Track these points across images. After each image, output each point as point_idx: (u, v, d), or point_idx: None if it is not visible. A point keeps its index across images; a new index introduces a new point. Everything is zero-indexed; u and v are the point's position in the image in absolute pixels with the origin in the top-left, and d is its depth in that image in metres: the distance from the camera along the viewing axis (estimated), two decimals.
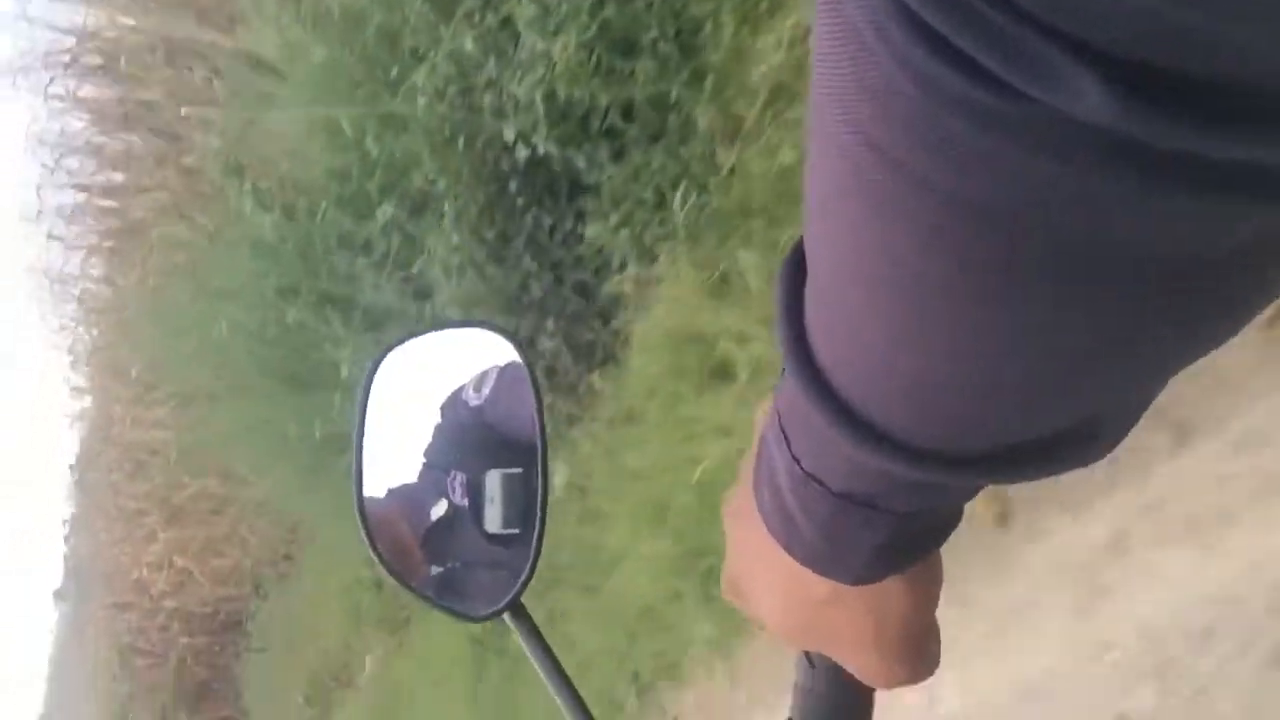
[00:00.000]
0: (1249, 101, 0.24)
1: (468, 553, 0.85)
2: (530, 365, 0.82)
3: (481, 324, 0.85)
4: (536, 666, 0.79)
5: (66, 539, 12.58)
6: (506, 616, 0.80)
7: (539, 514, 0.80)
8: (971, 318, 0.32)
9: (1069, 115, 0.24)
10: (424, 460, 0.85)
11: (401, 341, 0.83)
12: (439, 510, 0.84)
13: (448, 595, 0.85)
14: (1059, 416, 0.37)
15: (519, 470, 0.82)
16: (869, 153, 0.29)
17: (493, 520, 0.82)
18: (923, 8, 0.25)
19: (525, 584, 0.79)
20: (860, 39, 0.27)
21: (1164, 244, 0.28)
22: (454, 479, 0.84)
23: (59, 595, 13.72)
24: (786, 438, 0.45)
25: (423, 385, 0.85)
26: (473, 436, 0.85)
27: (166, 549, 8.69)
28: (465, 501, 0.83)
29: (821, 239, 0.36)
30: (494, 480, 0.83)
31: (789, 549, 0.49)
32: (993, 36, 0.24)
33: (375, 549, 0.80)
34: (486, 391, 0.83)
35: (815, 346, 0.40)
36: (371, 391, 0.81)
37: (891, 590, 0.50)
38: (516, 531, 0.81)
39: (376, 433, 0.82)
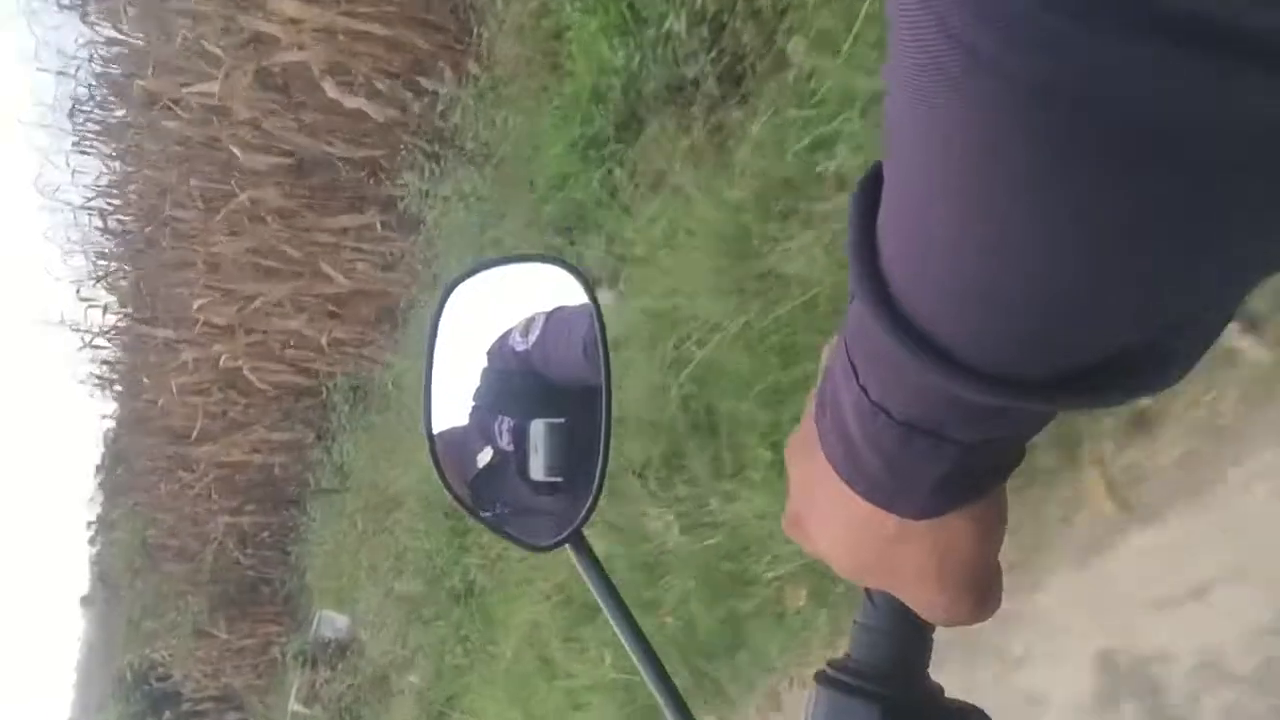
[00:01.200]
0: None
1: (513, 499, 0.85)
2: (596, 303, 0.80)
3: (554, 260, 0.83)
4: (596, 596, 0.79)
5: (92, 541, 12.95)
6: (568, 547, 0.80)
7: (603, 444, 0.79)
8: (1042, 207, 0.32)
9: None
10: (473, 404, 0.85)
11: (472, 273, 0.82)
12: (485, 457, 0.83)
13: (513, 526, 0.84)
14: (1129, 327, 0.37)
15: (562, 420, 0.81)
16: (945, 42, 0.29)
17: (536, 468, 0.82)
18: None
19: (588, 515, 0.79)
20: None
21: (1238, 126, 0.28)
22: (501, 424, 0.83)
23: (86, 601, 14.06)
24: (854, 368, 0.45)
25: (489, 319, 0.84)
26: (518, 382, 0.84)
27: None
28: (511, 448, 0.82)
29: (898, 144, 0.36)
30: (538, 429, 0.82)
31: (852, 482, 0.49)
32: None
33: (445, 482, 0.81)
34: (534, 337, 0.82)
35: (887, 268, 0.40)
36: (440, 323, 0.80)
37: (955, 526, 0.50)
38: (559, 480, 0.81)
39: (444, 365, 0.81)
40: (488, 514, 0.85)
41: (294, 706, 8.88)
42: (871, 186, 0.41)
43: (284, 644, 9.94)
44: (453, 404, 0.84)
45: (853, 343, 0.45)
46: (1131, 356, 0.38)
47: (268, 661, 10.51)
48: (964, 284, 0.37)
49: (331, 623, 8.79)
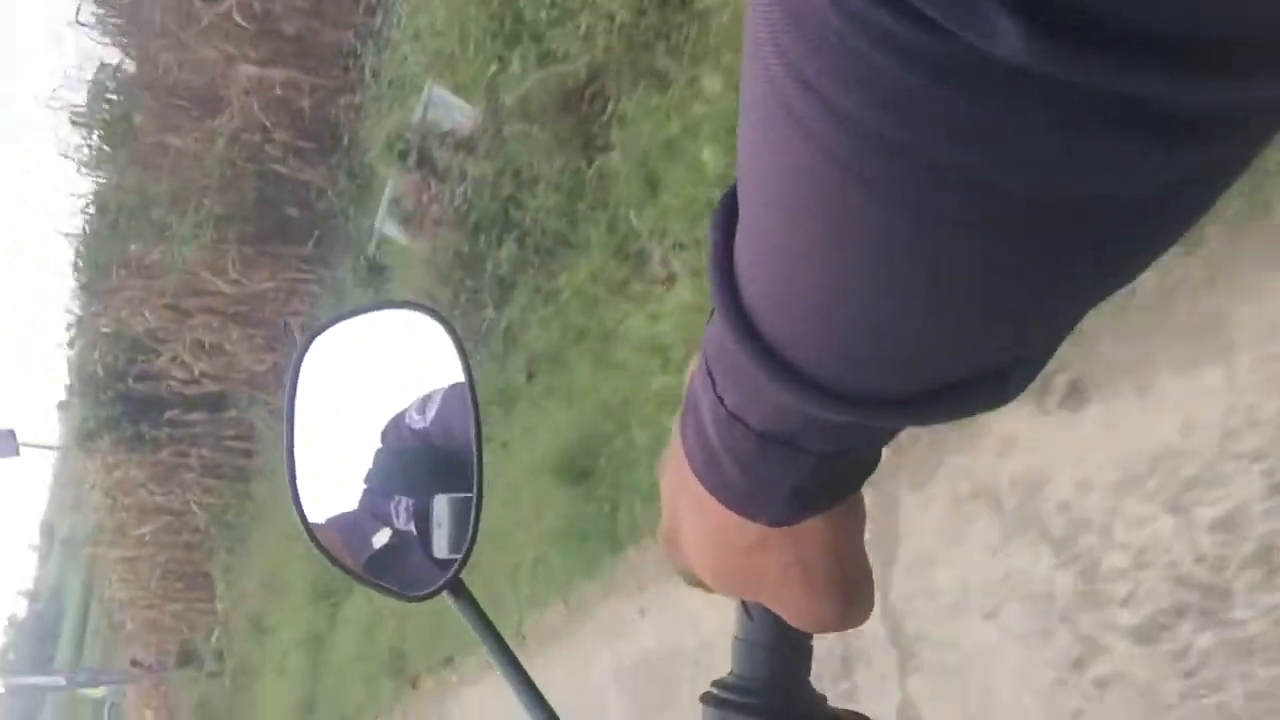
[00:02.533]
0: (1160, 40, 0.24)
1: (415, 572, 0.82)
2: (462, 347, 0.79)
3: (415, 306, 0.81)
4: (481, 641, 0.77)
5: None
6: (446, 594, 0.78)
7: (475, 483, 0.78)
8: (885, 253, 0.33)
9: (987, 51, 0.25)
10: (365, 486, 0.82)
11: (330, 325, 0.79)
12: (382, 539, 0.81)
13: (386, 575, 0.82)
14: (972, 358, 0.38)
15: (470, 495, 0.79)
16: (794, 83, 0.29)
17: (440, 545, 0.80)
18: None
19: (464, 561, 0.77)
20: None
21: (1079, 183, 0.28)
22: (398, 504, 0.81)
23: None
24: (712, 378, 0.46)
25: (358, 376, 0.83)
26: (417, 460, 0.82)
27: None
28: (411, 527, 0.80)
29: (749, 169, 0.36)
30: (442, 505, 0.80)
31: (714, 491, 0.50)
32: None
33: (315, 540, 0.78)
34: (432, 412, 0.81)
35: (742, 285, 0.41)
36: (299, 384, 0.77)
37: (813, 532, 0.51)
38: (458, 557, 0.78)
39: (310, 433, 0.79)
40: (356, 567, 0.81)
41: (384, 227, 6.17)
42: (732, 200, 0.42)
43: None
44: (338, 482, 0.81)
45: (711, 353, 0.46)
46: (976, 377, 0.39)
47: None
48: (807, 312, 0.38)
49: (447, 106, 5.57)
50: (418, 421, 0.81)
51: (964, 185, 0.29)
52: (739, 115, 0.36)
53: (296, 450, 0.78)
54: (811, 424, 0.44)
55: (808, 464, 0.46)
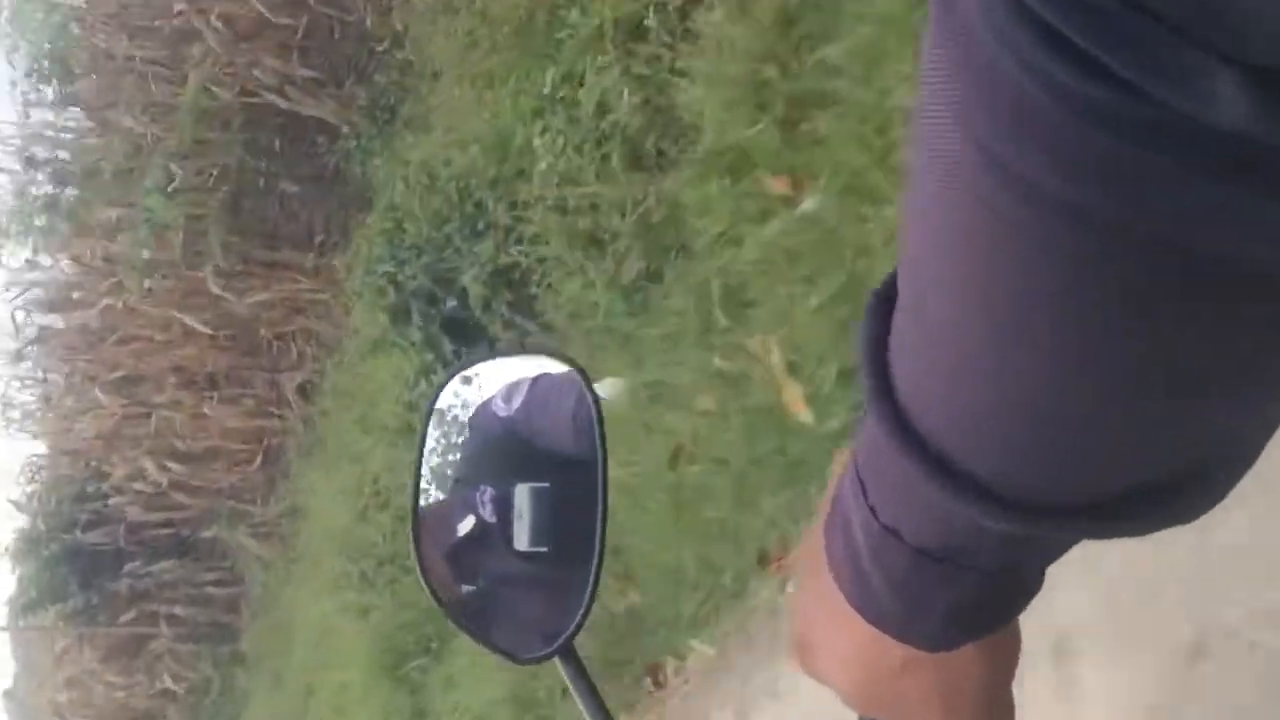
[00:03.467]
0: None
1: (497, 571, 0.81)
2: (595, 394, 0.78)
3: (548, 351, 0.84)
4: (584, 711, 0.75)
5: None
6: (557, 660, 0.76)
7: (597, 550, 0.76)
8: (1076, 337, 0.30)
9: (1200, 118, 0.23)
10: (453, 476, 0.82)
11: (466, 367, 0.82)
12: (466, 526, 0.80)
13: (496, 630, 0.81)
14: (1163, 457, 0.35)
15: (546, 485, 0.79)
16: (979, 157, 0.27)
17: (521, 537, 0.79)
18: (1044, 8, 0.24)
19: (578, 627, 0.75)
20: (980, 46, 0.26)
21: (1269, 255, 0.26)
22: (483, 494, 0.80)
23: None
24: (864, 486, 0.43)
25: (481, 406, 0.84)
26: (501, 449, 0.82)
27: None
28: (494, 518, 0.79)
29: (918, 256, 0.35)
30: (523, 495, 0.79)
31: (862, 609, 0.47)
32: (1118, 36, 0.23)
33: (429, 583, 0.77)
34: (517, 403, 0.81)
35: (901, 386, 0.38)
36: (433, 417, 0.79)
37: (965, 659, 0.48)
38: (545, 550, 0.78)
39: (434, 460, 0.80)
40: (466, 616, 0.81)
41: None
42: (887, 294, 0.39)
43: None
44: (437, 483, 0.82)
45: (863, 459, 0.43)
46: (1167, 483, 0.36)
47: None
48: (984, 409, 0.35)
49: None
50: (502, 410, 0.81)
51: (1169, 259, 0.27)
52: (905, 203, 0.34)
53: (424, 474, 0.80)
54: (978, 536, 0.40)
55: (969, 582, 0.43)
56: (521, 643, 0.81)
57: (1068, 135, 0.25)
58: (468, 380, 0.83)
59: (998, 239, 0.29)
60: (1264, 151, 0.23)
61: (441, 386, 0.81)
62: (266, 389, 7.81)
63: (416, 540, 0.78)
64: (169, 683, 9.39)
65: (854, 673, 0.50)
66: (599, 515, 0.76)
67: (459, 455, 0.83)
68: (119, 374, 8.09)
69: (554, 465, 0.80)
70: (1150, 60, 0.23)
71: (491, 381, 0.83)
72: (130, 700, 9.64)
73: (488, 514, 0.79)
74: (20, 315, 8.41)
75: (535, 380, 0.82)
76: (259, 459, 8.09)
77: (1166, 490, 0.36)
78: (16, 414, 9.21)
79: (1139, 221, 0.26)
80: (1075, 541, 0.41)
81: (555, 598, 0.78)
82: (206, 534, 8.81)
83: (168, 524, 8.89)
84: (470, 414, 0.83)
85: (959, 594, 0.43)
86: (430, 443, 0.80)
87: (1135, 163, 0.25)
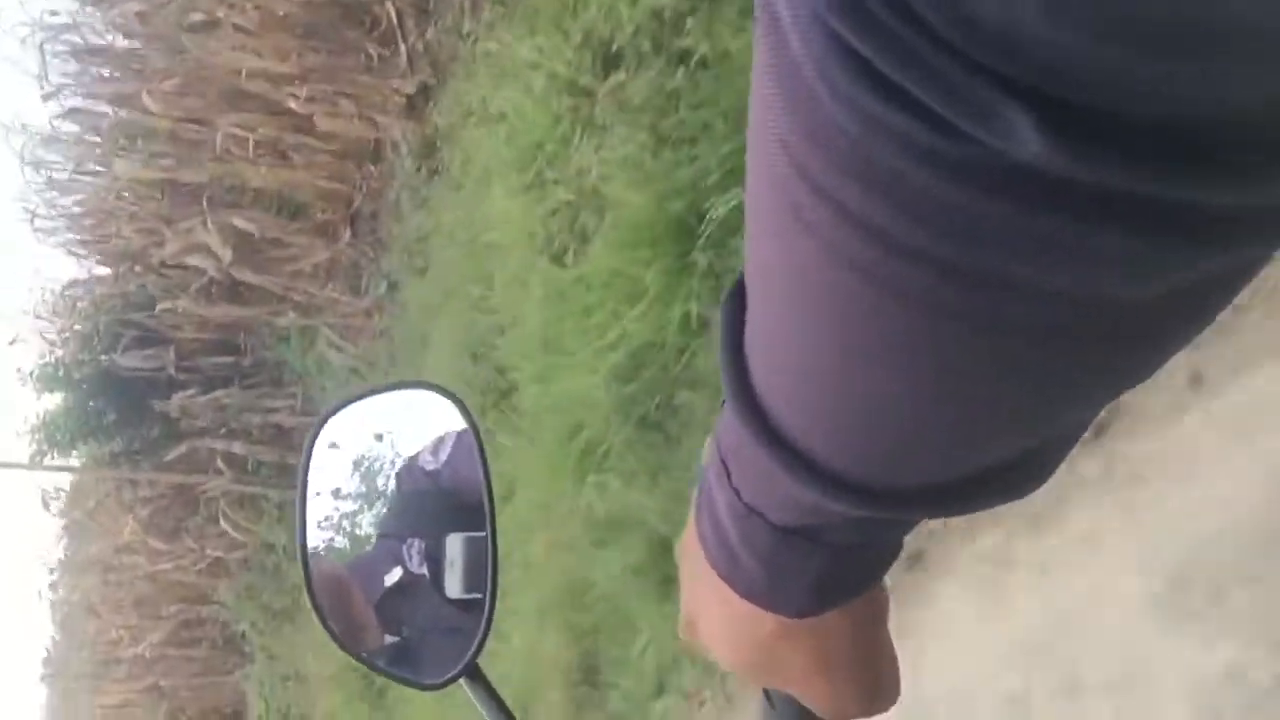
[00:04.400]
0: (1181, 141, 0.24)
1: (425, 620, 0.84)
2: (476, 427, 0.81)
3: (427, 385, 0.84)
4: None
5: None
6: (463, 681, 0.79)
7: (490, 573, 0.79)
8: (900, 350, 0.32)
9: (1004, 153, 0.25)
10: (378, 532, 0.84)
11: (344, 405, 0.82)
12: (394, 577, 0.82)
13: (401, 664, 0.83)
14: (990, 455, 0.38)
15: (481, 534, 0.81)
16: (803, 185, 0.29)
17: (453, 585, 0.81)
18: (863, 45, 0.25)
19: (480, 646, 0.78)
20: (800, 74, 0.27)
21: (1099, 284, 0.28)
22: (411, 546, 0.83)
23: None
24: (727, 470, 0.45)
25: (370, 450, 0.85)
26: (430, 502, 0.85)
27: None
28: (424, 569, 0.82)
29: (757, 266, 0.36)
30: (454, 544, 0.81)
31: (732, 583, 0.49)
32: (931, 75, 0.24)
33: (325, 622, 0.79)
34: (444, 455, 0.83)
35: (754, 377, 0.40)
36: (313, 458, 0.80)
37: (833, 622, 0.51)
38: (479, 596, 0.80)
39: (323, 500, 0.81)
40: (370, 654, 0.83)
41: None
42: (742, 285, 0.41)
43: None
44: (350, 535, 0.84)
45: (725, 445, 0.46)
46: (995, 471, 0.39)
47: None
48: (822, 405, 0.38)
49: None
50: (430, 463, 0.83)
51: (983, 286, 0.29)
52: (746, 205, 0.35)
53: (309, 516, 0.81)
54: (829, 517, 0.43)
55: (828, 557, 0.46)
56: (428, 670, 0.84)
57: (880, 166, 0.26)
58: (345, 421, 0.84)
59: (808, 250, 0.31)
60: (1065, 183, 0.25)
61: (318, 429, 0.82)
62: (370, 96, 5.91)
63: (313, 594, 0.79)
64: (220, 550, 7.66)
65: (735, 645, 0.53)
66: (490, 540, 0.79)
67: (381, 509, 0.84)
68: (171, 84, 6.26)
69: (483, 513, 0.81)
70: (956, 97, 0.24)
71: (372, 421, 0.84)
72: (177, 576, 8.07)
73: (415, 565, 0.82)
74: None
75: (460, 433, 0.83)
76: (346, 229, 6.22)
77: (988, 480, 0.39)
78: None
79: (949, 249, 0.28)
80: (919, 520, 0.45)
81: (458, 624, 0.82)
82: (272, 352, 7.09)
83: (224, 345, 7.12)
84: (359, 453, 0.84)
85: (821, 567, 0.46)
86: (315, 487, 0.81)
87: (945, 195, 0.26)
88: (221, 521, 7.54)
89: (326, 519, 0.83)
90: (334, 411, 0.82)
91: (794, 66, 0.27)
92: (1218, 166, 0.25)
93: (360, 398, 0.84)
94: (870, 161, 0.27)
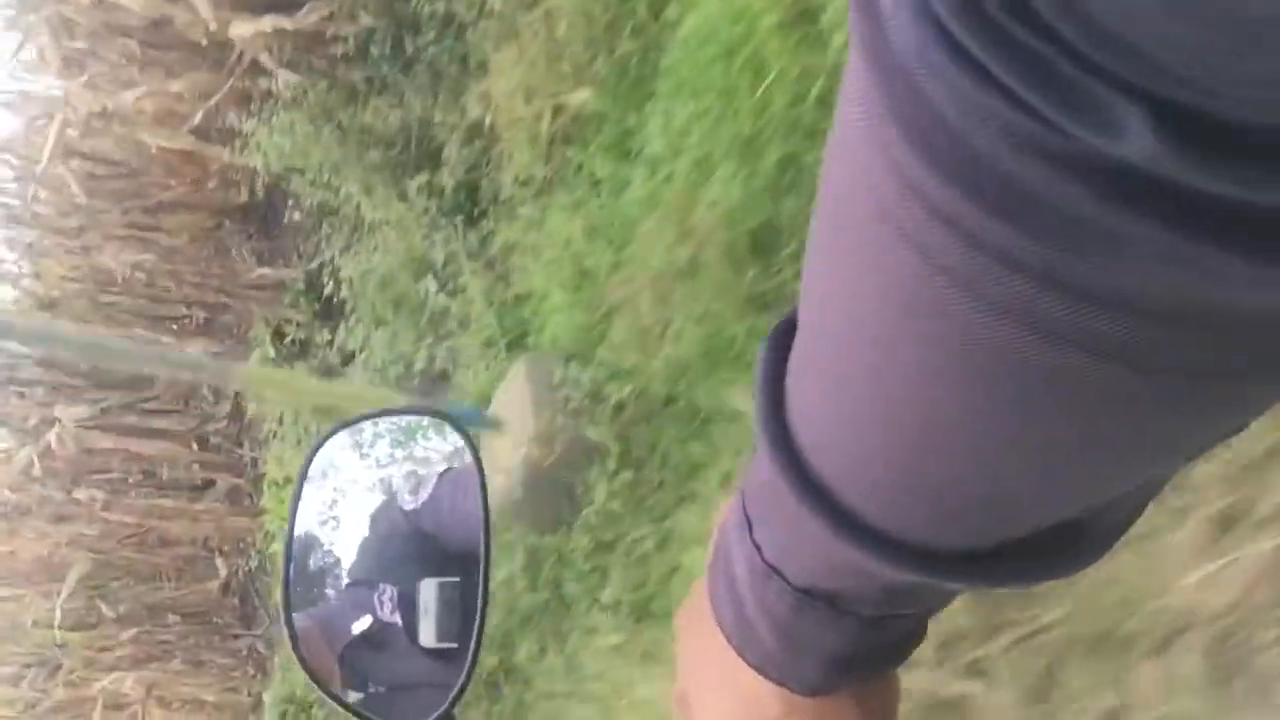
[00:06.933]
0: None
1: (394, 672, 0.78)
2: (476, 451, 0.77)
3: (433, 412, 0.80)
4: None
5: None
6: None
7: (478, 619, 0.75)
8: (989, 374, 0.29)
9: (1109, 152, 0.23)
10: (347, 579, 0.78)
11: (342, 428, 0.78)
12: (362, 625, 0.77)
13: (378, 708, 0.77)
14: (1055, 511, 0.35)
15: (457, 579, 0.76)
16: (895, 183, 0.27)
17: (428, 633, 0.76)
18: (962, 32, 0.24)
19: (460, 695, 0.74)
20: (896, 60, 0.25)
21: (1189, 297, 0.26)
22: (382, 594, 0.77)
23: None
24: (750, 523, 0.43)
25: (365, 476, 0.81)
26: (406, 545, 0.79)
27: None
28: (396, 617, 0.76)
29: (820, 285, 0.34)
30: (429, 590, 0.76)
31: (742, 650, 0.46)
32: (1035, 67, 0.23)
33: (301, 658, 0.73)
34: (424, 496, 0.78)
35: (795, 421, 0.38)
36: (307, 482, 0.75)
37: (845, 705, 0.48)
38: (455, 646, 0.74)
39: (313, 529, 0.77)
40: (351, 695, 0.77)
41: None
42: (786, 329, 0.39)
43: None
44: (321, 579, 0.78)
45: (750, 494, 0.43)
46: (1053, 536, 0.36)
47: None
48: (879, 450, 0.34)
49: None
50: (409, 504, 0.78)
51: (1078, 297, 0.26)
52: (811, 229, 0.33)
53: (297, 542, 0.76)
54: (862, 579, 0.40)
55: (852, 628, 0.43)
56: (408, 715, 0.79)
57: (990, 165, 0.25)
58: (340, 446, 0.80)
59: (898, 261, 0.28)
60: (1172, 185, 0.23)
61: (314, 451, 0.78)
62: None
63: (294, 639, 0.74)
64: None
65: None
66: (481, 585, 0.75)
67: (353, 554, 0.79)
68: None
69: (462, 559, 0.76)
70: (1061, 92, 0.23)
71: (369, 448, 0.81)
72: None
73: (387, 613, 0.76)
74: None
75: (442, 473, 0.79)
76: None
77: (1047, 546, 0.36)
78: None
79: (1050, 252, 0.26)
80: (958, 593, 0.42)
81: (435, 682, 0.76)
82: None
83: None
84: (353, 492, 0.80)
85: (840, 638, 0.43)
86: (306, 513, 0.77)
87: (1053, 193, 0.25)
88: None
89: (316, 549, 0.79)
90: (326, 439, 0.78)
91: (887, 44, 0.26)
92: None
93: (355, 422, 0.80)
94: (964, 151, 0.25)
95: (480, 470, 0.78)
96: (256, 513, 5.60)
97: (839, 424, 0.35)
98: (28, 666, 5.56)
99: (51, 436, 5.28)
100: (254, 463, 5.69)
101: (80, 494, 5.50)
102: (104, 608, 5.60)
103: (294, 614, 0.76)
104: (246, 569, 5.82)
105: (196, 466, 5.79)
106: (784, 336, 0.39)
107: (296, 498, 0.76)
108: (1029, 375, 0.28)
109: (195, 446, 5.77)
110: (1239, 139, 0.23)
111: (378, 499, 0.79)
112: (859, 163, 0.28)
